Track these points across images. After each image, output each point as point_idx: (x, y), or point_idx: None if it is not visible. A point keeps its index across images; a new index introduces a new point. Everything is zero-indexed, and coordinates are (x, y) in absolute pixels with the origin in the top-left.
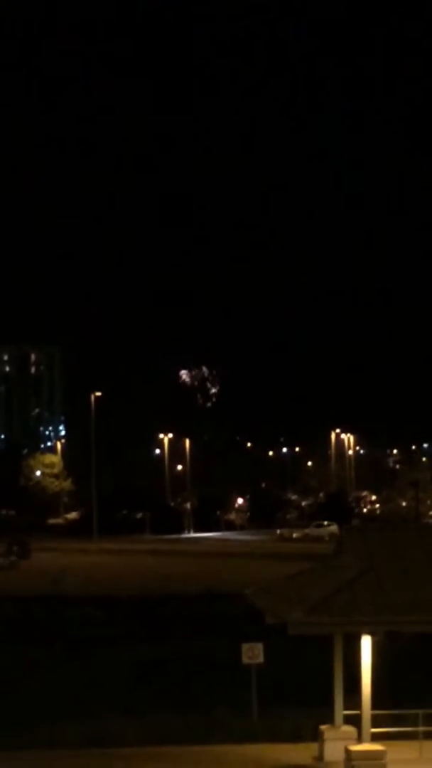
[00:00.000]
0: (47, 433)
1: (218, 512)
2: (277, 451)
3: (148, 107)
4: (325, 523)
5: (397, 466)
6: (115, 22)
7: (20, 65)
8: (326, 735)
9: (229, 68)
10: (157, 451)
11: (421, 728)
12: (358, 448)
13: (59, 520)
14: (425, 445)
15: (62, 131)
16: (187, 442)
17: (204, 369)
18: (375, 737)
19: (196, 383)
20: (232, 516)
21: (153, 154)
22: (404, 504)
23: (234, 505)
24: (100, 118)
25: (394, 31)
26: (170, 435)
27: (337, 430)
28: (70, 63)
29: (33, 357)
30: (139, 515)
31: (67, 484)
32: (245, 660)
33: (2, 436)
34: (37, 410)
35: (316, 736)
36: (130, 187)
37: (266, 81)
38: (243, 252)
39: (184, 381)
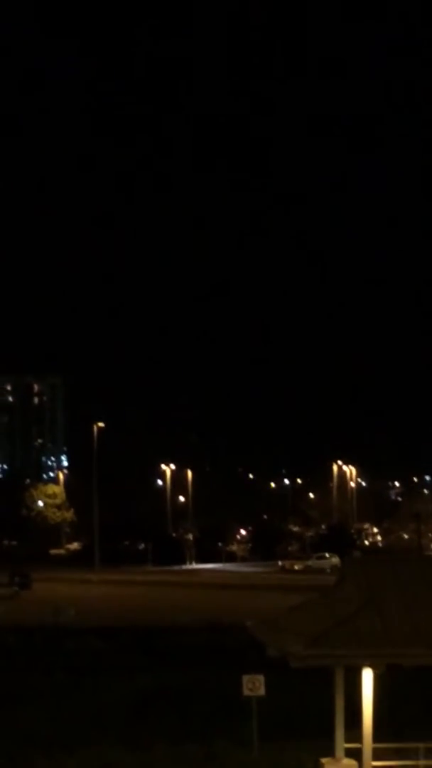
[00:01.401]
0: (49, 463)
1: (220, 543)
2: (279, 482)
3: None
4: (327, 555)
5: (399, 498)
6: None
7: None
8: None
9: None
10: (159, 482)
11: (422, 762)
12: (359, 480)
13: (61, 551)
14: (427, 478)
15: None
16: (189, 473)
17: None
18: None
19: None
20: (234, 547)
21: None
22: (406, 536)
23: (235, 536)
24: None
25: None
26: (172, 466)
27: (339, 462)
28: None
29: (36, 387)
30: (141, 546)
31: (68, 514)
32: (246, 692)
33: (4, 466)
34: (39, 440)
35: None
36: (132, 220)
37: None
38: (245, 284)
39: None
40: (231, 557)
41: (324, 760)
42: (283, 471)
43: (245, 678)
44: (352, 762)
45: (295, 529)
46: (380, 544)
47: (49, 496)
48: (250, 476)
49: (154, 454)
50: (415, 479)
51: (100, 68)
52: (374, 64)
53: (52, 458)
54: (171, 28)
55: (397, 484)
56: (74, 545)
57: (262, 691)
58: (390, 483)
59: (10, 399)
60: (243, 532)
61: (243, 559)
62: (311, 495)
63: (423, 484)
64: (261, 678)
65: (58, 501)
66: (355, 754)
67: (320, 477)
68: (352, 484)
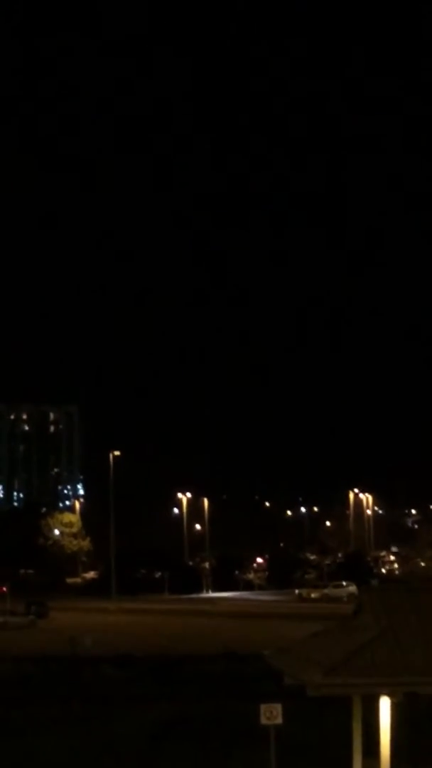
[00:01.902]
0: (66, 492)
1: (237, 572)
2: (296, 510)
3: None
4: (344, 583)
5: (416, 526)
6: None
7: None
8: None
9: None
10: (176, 510)
11: None
12: (376, 507)
13: (77, 580)
14: None
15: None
16: (206, 501)
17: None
18: None
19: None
20: (251, 576)
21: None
22: (423, 564)
23: (252, 564)
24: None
25: None
26: (189, 494)
27: (355, 490)
28: None
29: (52, 416)
30: (158, 574)
31: (85, 543)
32: (264, 721)
33: (21, 495)
34: (55, 469)
35: None
36: (149, 254)
37: None
38: (262, 317)
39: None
40: (248, 585)
41: None
42: (300, 499)
43: (263, 707)
44: None
45: (312, 557)
46: (397, 572)
47: (66, 524)
48: (267, 504)
49: (171, 482)
50: None
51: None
52: None
53: (69, 487)
54: None
55: (413, 511)
56: (91, 574)
57: (279, 720)
58: (406, 510)
59: (27, 428)
60: (260, 560)
61: (260, 588)
62: (328, 523)
63: None
64: (278, 707)
65: (74, 530)
66: None
67: (337, 505)
68: (369, 512)
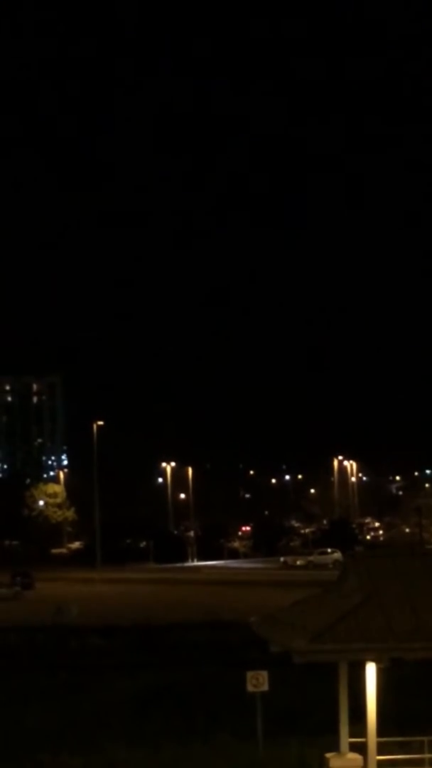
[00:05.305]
0: (50, 462)
1: (222, 540)
2: (280, 478)
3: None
4: (329, 550)
5: (400, 493)
6: None
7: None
8: (332, 763)
9: None
10: (160, 479)
11: (427, 755)
12: (360, 474)
13: (62, 550)
14: (428, 471)
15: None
16: (190, 470)
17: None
18: (381, 765)
19: None
20: (236, 544)
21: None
22: (407, 530)
23: (237, 533)
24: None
25: None
26: (173, 463)
27: (340, 457)
28: None
29: (35, 387)
30: (143, 544)
31: (70, 513)
32: (250, 688)
33: (5, 466)
34: (39, 440)
35: (322, 765)
36: (130, 225)
37: None
38: (244, 284)
39: None
40: (233, 554)
41: (329, 755)
42: (284, 467)
43: (249, 674)
44: (357, 756)
45: (297, 524)
46: (382, 539)
47: (50, 495)
48: (251, 473)
49: (155, 452)
50: (416, 473)
51: None
52: None
53: (53, 457)
54: None
55: (398, 478)
56: (76, 544)
57: (265, 687)
58: (391, 477)
59: (10, 399)
60: (245, 528)
61: (245, 556)
62: (312, 491)
63: (424, 477)
64: (264, 674)
65: (59, 500)
66: (360, 749)
67: (321, 472)
68: (353, 479)
